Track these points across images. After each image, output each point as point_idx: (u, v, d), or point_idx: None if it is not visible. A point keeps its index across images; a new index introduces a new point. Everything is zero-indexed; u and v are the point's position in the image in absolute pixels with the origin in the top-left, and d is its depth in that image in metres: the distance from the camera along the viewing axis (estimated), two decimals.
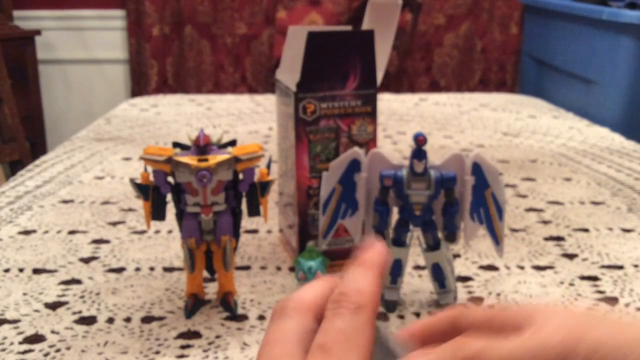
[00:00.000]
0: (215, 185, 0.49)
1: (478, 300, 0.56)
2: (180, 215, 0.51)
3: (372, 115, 0.58)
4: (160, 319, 0.52)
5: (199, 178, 0.48)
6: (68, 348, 0.48)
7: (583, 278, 0.60)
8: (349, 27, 0.61)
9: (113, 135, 1.11)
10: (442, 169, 0.50)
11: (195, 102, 1.38)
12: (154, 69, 2.36)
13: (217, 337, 0.50)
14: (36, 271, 0.61)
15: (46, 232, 0.70)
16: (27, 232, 0.70)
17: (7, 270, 0.61)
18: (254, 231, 0.71)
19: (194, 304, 0.53)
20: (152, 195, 0.50)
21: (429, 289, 0.57)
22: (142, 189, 0.50)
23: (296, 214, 0.59)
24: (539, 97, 1.53)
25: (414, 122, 1.22)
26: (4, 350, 0.48)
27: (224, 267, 0.51)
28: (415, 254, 0.63)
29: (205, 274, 0.54)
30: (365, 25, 0.64)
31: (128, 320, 0.52)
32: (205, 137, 0.49)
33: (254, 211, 0.52)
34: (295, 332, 0.27)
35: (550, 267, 0.62)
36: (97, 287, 0.58)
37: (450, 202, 0.50)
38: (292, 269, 0.61)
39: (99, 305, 0.54)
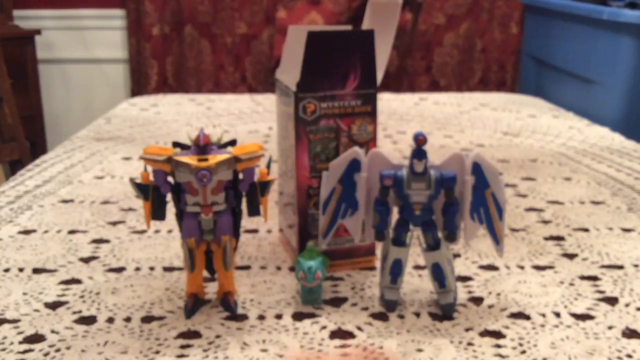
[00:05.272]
0: (215, 185, 0.49)
1: (478, 300, 0.56)
2: (180, 215, 0.51)
3: (372, 115, 0.58)
4: (160, 318, 0.52)
5: (199, 178, 0.47)
6: (68, 348, 0.48)
7: (583, 278, 0.60)
8: (349, 27, 0.61)
9: (113, 134, 1.11)
10: (442, 168, 0.50)
11: (195, 101, 1.38)
12: (154, 69, 2.36)
13: (217, 337, 0.50)
14: (36, 271, 0.61)
15: (46, 231, 0.70)
16: (27, 232, 0.70)
17: (7, 270, 0.61)
18: (254, 231, 0.71)
19: (194, 303, 0.53)
20: (152, 195, 0.50)
21: (429, 289, 0.57)
22: (142, 189, 0.50)
23: (296, 214, 0.59)
24: (539, 96, 1.53)
25: (414, 121, 1.22)
26: (4, 350, 0.48)
27: (224, 267, 0.51)
28: (415, 254, 0.63)
29: (205, 273, 0.54)
30: (366, 25, 0.64)
31: (128, 320, 0.52)
32: (205, 137, 0.49)
33: (254, 211, 0.52)
34: None
35: (550, 267, 0.62)
36: (97, 286, 0.58)
37: (450, 202, 0.50)
38: (292, 269, 0.61)
39: (99, 305, 0.54)
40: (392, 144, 1.06)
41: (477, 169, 0.51)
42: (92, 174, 0.90)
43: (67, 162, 0.95)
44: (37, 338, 0.49)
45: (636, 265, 0.62)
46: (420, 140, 0.49)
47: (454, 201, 0.50)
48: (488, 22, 2.38)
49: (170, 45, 2.37)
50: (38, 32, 2.19)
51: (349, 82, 0.57)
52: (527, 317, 0.53)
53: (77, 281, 0.59)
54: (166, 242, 0.67)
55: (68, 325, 0.51)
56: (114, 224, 0.73)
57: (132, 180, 0.50)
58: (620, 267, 0.62)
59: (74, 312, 0.53)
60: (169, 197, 0.51)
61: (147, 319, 0.52)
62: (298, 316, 0.53)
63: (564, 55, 1.82)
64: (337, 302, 0.55)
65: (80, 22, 2.41)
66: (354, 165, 0.52)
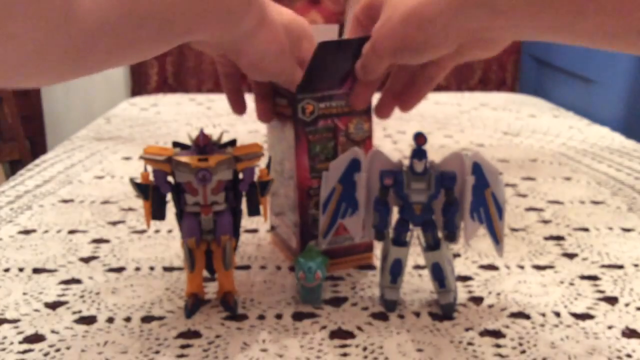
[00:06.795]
0: (215, 185, 0.49)
1: (478, 300, 0.56)
2: (180, 215, 0.51)
3: (367, 113, 0.59)
4: (160, 318, 0.52)
5: (198, 178, 0.48)
6: (68, 348, 0.48)
7: (583, 277, 0.60)
8: (335, 26, 0.61)
9: (113, 134, 1.11)
10: (442, 168, 0.50)
11: (195, 101, 1.38)
12: (154, 68, 2.36)
13: (217, 336, 0.50)
14: (36, 271, 0.61)
15: (46, 231, 0.70)
16: (27, 232, 0.70)
17: (7, 270, 0.61)
18: (254, 230, 0.71)
19: (194, 303, 0.53)
20: (152, 194, 0.50)
21: (429, 289, 0.57)
22: (142, 189, 0.50)
23: (297, 214, 0.59)
24: (539, 96, 1.53)
25: (414, 121, 1.22)
26: (4, 350, 0.48)
27: (224, 266, 0.51)
28: (415, 254, 0.63)
29: (205, 273, 0.54)
30: (348, 25, 0.63)
31: (128, 320, 0.52)
32: (205, 137, 0.49)
33: (253, 211, 0.52)
34: None
35: (550, 267, 0.62)
36: (97, 286, 0.58)
37: (450, 202, 0.50)
38: (292, 269, 0.61)
39: (99, 305, 0.54)
40: (392, 144, 1.07)
41: (477, 168, 0.51)
42: (92, 174, 0.90)
43: (67, 162, 0.95)
44: (37, 338, 0.49)
45: (636, 265, 0.62)
46: (420, 139, 0.49)
47: (454, 201, 0.50)
48: None
49: None
50: None
51: (346, 83, 0.57)
52: (527, 317, 0.53)
53: (77, 281, 0.59)
54: (166, 242, 0.67)
55: (68, 325, 0.51)
56: (114, 223, 0.73)
57: (132, 180, 0.50)
58: (620, 267, 0.62)
59: (74, 312, 0.53)
60: (169, 197, 0.51)
61: (147, 319, 0.52)
62: (298, 316, 0.53)
63: (564, 55, 1.82)
64: (337, 302, 0.55)
65: None
66: (354, 165, 0.52)
